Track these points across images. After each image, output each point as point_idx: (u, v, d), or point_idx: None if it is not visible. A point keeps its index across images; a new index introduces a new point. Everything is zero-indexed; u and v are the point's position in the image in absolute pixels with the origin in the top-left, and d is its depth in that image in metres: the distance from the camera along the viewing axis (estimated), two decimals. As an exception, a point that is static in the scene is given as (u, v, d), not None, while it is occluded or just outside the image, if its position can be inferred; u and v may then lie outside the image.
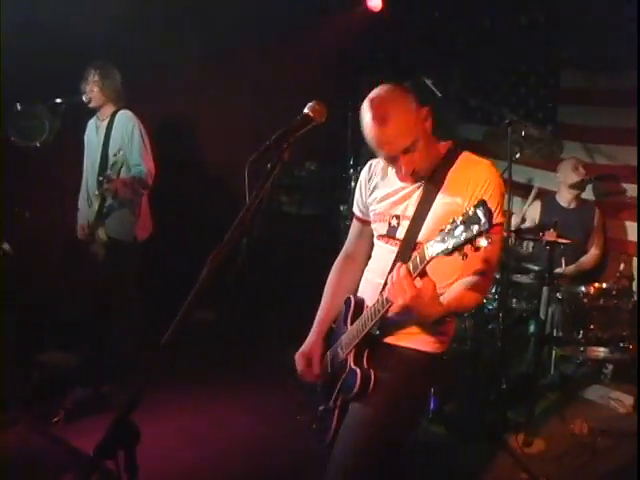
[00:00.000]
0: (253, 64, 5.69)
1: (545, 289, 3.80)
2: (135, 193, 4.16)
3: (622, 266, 4.28)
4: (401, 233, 2.19)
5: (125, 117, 4.16)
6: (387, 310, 2.06)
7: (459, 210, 1.86)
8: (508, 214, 3.97)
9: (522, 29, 5.43)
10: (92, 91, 4.09)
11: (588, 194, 4.94)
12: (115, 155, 4.07)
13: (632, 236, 4.76)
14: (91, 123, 4.33)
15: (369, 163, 2.43)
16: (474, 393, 4.11)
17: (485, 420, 3.90)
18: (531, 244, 4.81)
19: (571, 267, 4.63)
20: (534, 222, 4.95)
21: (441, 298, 2.03)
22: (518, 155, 4.25)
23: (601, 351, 4.03)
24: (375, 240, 2.35)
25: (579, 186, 4.78)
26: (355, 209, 2.48)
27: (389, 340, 2.20)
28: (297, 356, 2.42)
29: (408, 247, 2.14)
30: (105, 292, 4.35)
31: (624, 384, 4.14)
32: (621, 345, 3.98)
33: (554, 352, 4.30)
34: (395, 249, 2.20)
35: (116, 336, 4.31)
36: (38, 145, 4.10)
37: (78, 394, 4.08)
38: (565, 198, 4.87)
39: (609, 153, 4.88)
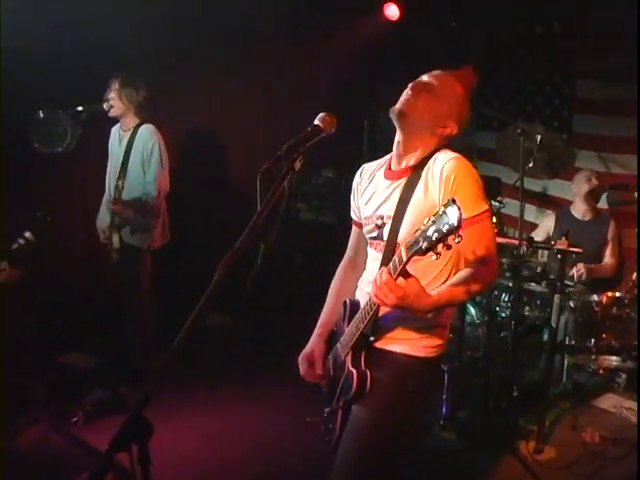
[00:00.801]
0: (270, 74, 5.76)
1: (556, 297, 3.81)
2: (140, 217, 4.20)
3: (634, 275, 4.24)
4: (386, 234, 2.23)
5: (148, 132, 4.18)
6: (376, 312, 2.11)
7: (435, 207, 1.91)
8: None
9: (538, 39, 5.47)
10: (112, 99, 4.15)
11: (602, 203, 4.93)
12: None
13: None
14: (114, 131, 4.37)
15: (361, 168, 2.49)
16: (486, 400, 4.13)
17: (496, 427, 3.91)
18: (546, 253, 4.83)
19: (585, 266, 4.57)
20: (548, 233, 4.97)
21: (433, 292, 2.06)
22: (531, 164, 4.27)
23: (613, 360, 4.01)
24: (368, 248, 2.39)
25: (593, 197, 4.77)
26: (352, 214, 2.53)
27: (383, 345, 2.24)
28: (300, 359, 2.48)
29: (390, 248, 2.17)
30: (120, 296, 4.44)
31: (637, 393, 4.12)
32: (633, 354, 3.95)
33: (566, 360, 4.28)
34: (380, 255, 2.24)
35: (128, 339, 4.38)
36: (60, 150, 4.19)
37: (97, 396, 4.15)
38: (580, 210, 4.87)
39: (623, 162, 4.87)
